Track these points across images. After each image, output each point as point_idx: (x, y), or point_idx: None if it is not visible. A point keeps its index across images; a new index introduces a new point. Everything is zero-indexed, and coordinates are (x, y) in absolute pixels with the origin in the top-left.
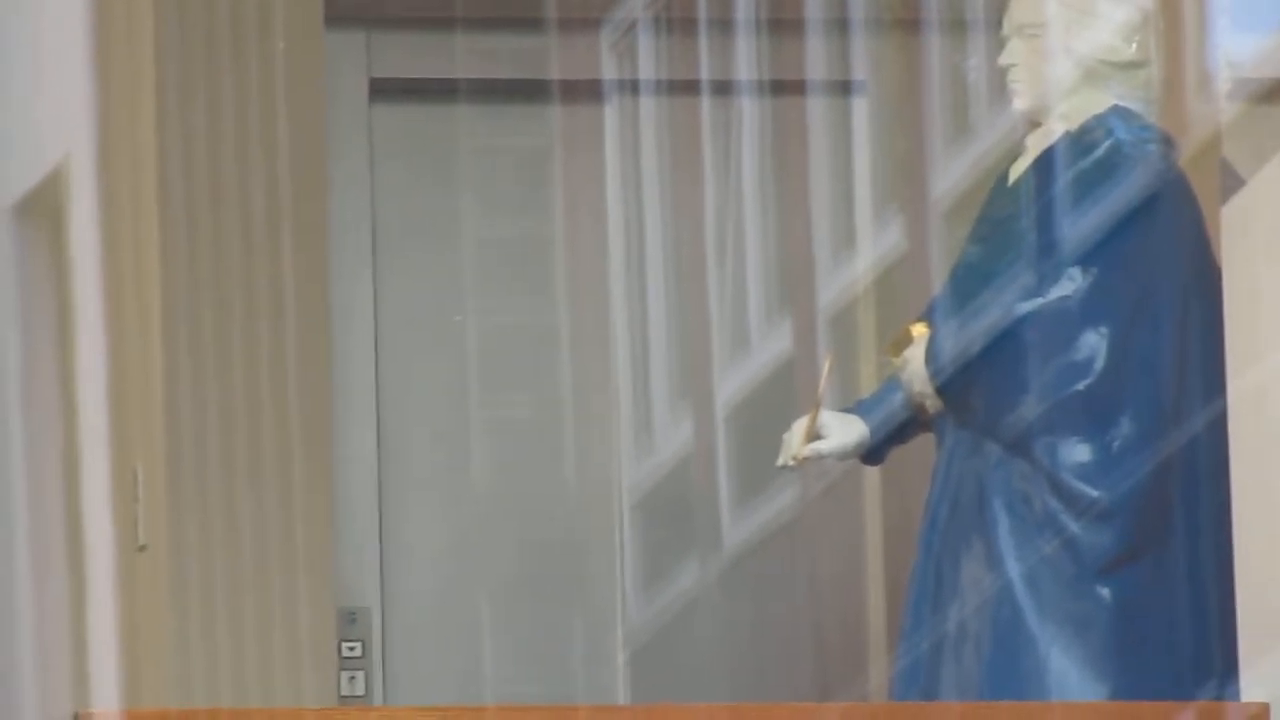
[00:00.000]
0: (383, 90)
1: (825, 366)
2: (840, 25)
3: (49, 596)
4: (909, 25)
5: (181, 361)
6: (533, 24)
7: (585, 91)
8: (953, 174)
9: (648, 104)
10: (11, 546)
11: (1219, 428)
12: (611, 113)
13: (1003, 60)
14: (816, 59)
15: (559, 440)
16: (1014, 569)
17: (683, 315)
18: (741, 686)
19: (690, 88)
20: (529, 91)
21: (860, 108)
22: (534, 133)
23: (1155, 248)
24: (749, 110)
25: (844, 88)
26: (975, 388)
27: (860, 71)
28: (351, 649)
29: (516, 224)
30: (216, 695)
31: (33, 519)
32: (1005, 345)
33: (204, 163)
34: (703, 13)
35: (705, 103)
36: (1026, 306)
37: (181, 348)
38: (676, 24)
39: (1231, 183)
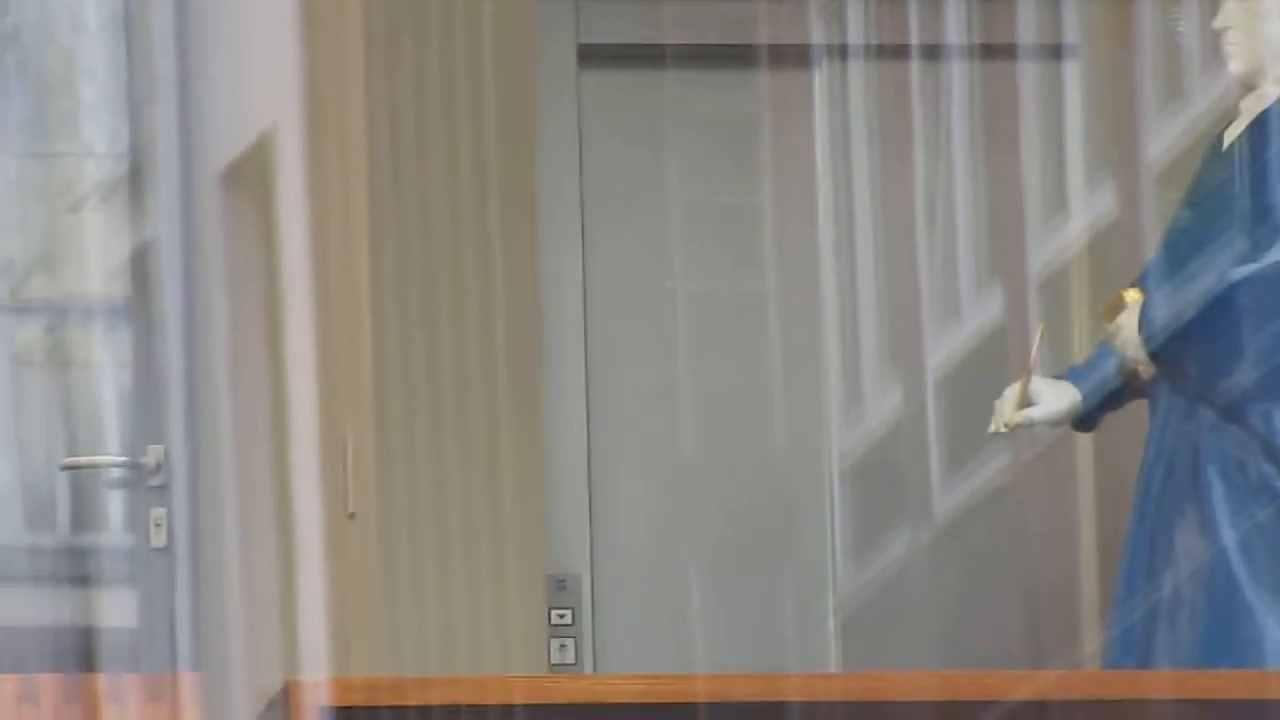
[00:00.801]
0: (591, 56)
1: (1037, 334)
2: None
3: (259, 565)
4: None
5: (390, 329)
6: None
7: (794, 57)
8: (1165, 138)
9: (857, 69)
10: (221, 516)
11: None
12: (820, 78)
13: (1217, 23)
14: (1027, 23)
15: (768, 407)
16: (1229, 536)
17: (892, 281)
18: (953, 654)
19: (900, 52)
20: (737, 57)
21: (1071, 72)
22: (742, 100)
23: None
24: (959, 74)
25: (1055, 51)
26: (1189, 353)
27: (1072, 35)
28: (561, 617)
29: (726, 191)
30: (425, 663)
31: (241, 488)
32: (1220, 311)
33: (412, 131)
34: None
35: (915, 67)
36: (1242, 272)
37: (390, 315)
38: None
39: None
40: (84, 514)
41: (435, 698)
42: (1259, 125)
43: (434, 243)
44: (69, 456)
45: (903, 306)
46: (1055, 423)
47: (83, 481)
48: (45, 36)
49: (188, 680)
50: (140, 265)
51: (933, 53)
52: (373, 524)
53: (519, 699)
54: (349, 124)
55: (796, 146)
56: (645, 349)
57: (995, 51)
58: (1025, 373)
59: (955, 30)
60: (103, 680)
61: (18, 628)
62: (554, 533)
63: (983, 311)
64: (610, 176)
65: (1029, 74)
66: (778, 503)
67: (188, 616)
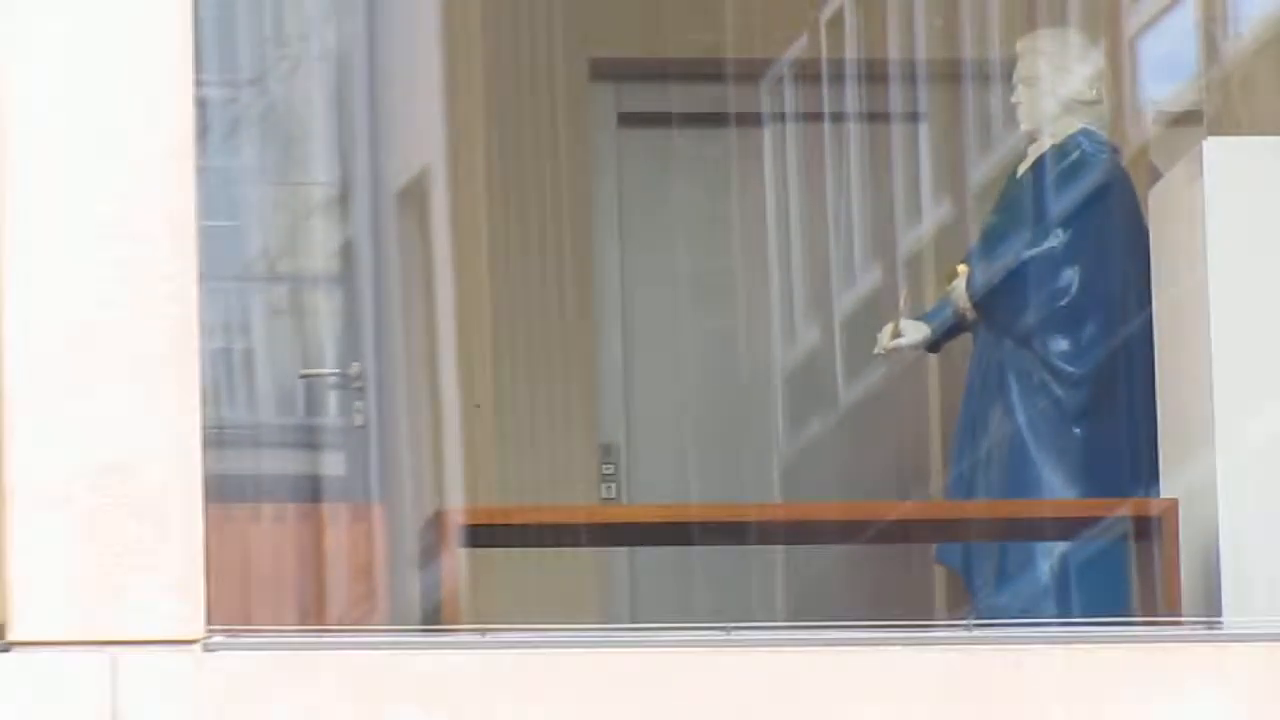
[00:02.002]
0: (627, 120)
1: (903, 293)
2: None
3: (420, 436)
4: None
5: (501, 292)
6: (732, 70)
7: (751, 120)
8: (981, 170)
9: (791, 129)
10: (396, 406)
11: (1146, 329)
12: (768, 135)
13: (1013, 99)
14: (896, 96)
15: (739, 338)
16: (1021, 418)
17: (814, 261)
18: (852, 492)
19: (817, 117)
20: (714, 120)
21: (924, 130)
22: (718, 147)
23: (1108, 217)
24: (855, 130)
25: (913, 117)
26: (997, 304)
27: (923, 106)
28: (607, 470)
29: (710, 204)
30: (521, 498)
31: (409, 389)
32: (1015, 277)
33: (512, 166)
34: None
35: (826, 127)
36: (1029, 252)
37: (500, 282)
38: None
39: (1154, 176)
40: (314, 404)
41: (529, 519)
42: (1038, 164)
43: (527, 235)
44: (305, 369)
45: (821, 276)
46: (914, 347)
47: (313, 384)
48: (287, 106)
49: (377, 509)
50: (347, 251)
51: (838, 117)
52: (489, 411)
53: (581, 519)
54: (474, 163)
55: (752, 180)
56: (664, 309)
57: (877, 117)
58: (896, 315)
59: (851, 102)
60: (324, 509)
61: (274, 474)
62: (602, 415)
63: (869, 280)
64: (638, 195)
65: (898, 130)
66: (744, 396)
67: (376, 469)
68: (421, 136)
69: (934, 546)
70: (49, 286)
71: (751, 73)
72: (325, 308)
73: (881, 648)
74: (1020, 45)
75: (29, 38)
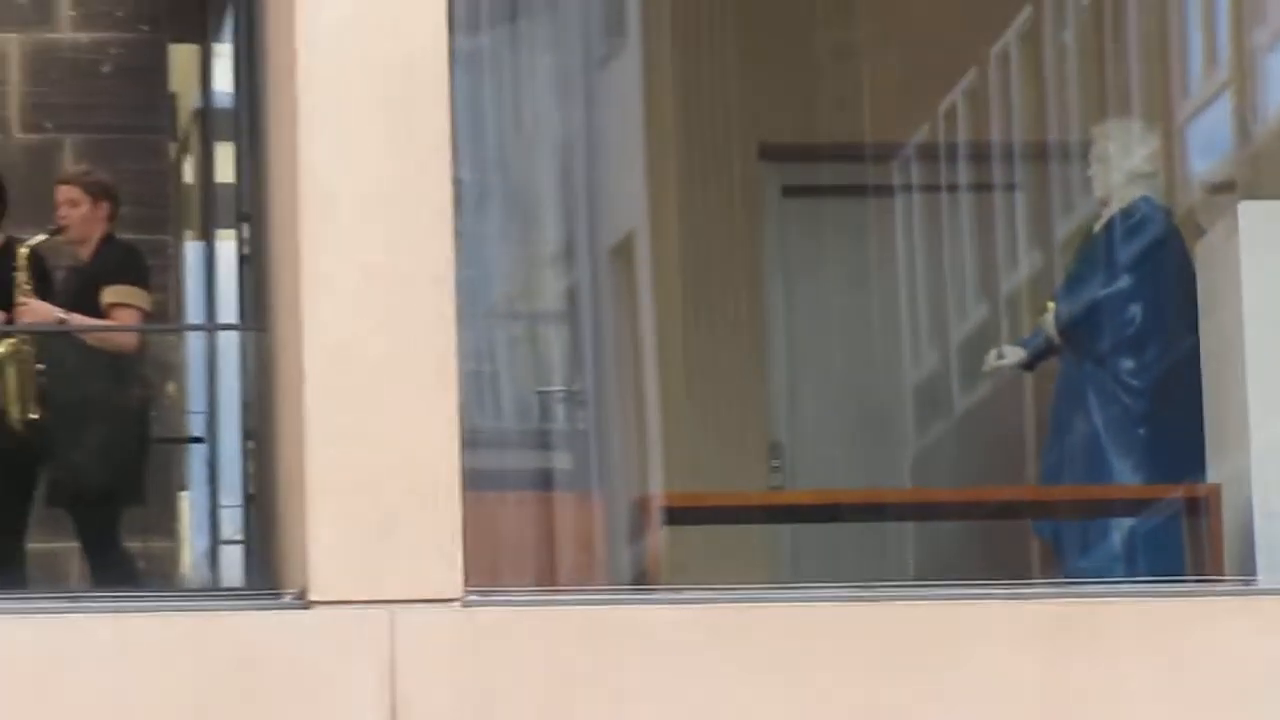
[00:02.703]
0: (790, 191)
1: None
2: None
3: (628, 436)
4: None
5: (691, 319)
6: (870, 151)
7: (887, 192)
8: (1064, 227)
9: (913, 198)
10: (609, 417)
11: (1194, 352)
12: (900, 204)
13: (1089, 173)
14: (997, 167)
15: (879, 359)
16: (1097, 421)
17: (938, 298)
18: (972, 480)
19: (936, 189)
20: (857, 192)
21: (1019, 199)
22: (862, 219)
23: (1164, 265)
24: (967, 196)
25: (1010, 187)
26: (1078, 333)
27: (1018, 179)
28: (774, 464)
29: (855, 255)
30: (710, 486)
31: (619, 404)
32: (1092, 312)
33: (702, 227)
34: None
35: (944, 198)
36: (1103, 292)
37: (690, 311)
38: None
39: (1200, 232)
40: (546, 414)
41: (716, 502)
42: (1109, 224)
43: (710, 282)
44: (539, 386)
45: (940, 312)
46: (1013, 367)
47: (546, 399)
48: (523, 181)
49: (596, 495)
50: (571, 295)
51: (952, 188)
52: (683, 417)
53: (756, 501)
54: (668, 226)
55: (886, 237)
56: (819, 339)
57: (983, 187)
58: (998, 342)
59: (962, 175)
60: (555, 495)
61: (515, 469)
62: (771, 421)
63: (978, 314)
64: (797, 250)
65: (999, 198)
66: (881, 405)
67: (595, 464)
68: (628, 205)
69: (1030, 522)
70: (340, 324)
71: (885, 153)
72: (554, 338)
73: (989, 601)
74: (1094, 131)
75: (325, 123)
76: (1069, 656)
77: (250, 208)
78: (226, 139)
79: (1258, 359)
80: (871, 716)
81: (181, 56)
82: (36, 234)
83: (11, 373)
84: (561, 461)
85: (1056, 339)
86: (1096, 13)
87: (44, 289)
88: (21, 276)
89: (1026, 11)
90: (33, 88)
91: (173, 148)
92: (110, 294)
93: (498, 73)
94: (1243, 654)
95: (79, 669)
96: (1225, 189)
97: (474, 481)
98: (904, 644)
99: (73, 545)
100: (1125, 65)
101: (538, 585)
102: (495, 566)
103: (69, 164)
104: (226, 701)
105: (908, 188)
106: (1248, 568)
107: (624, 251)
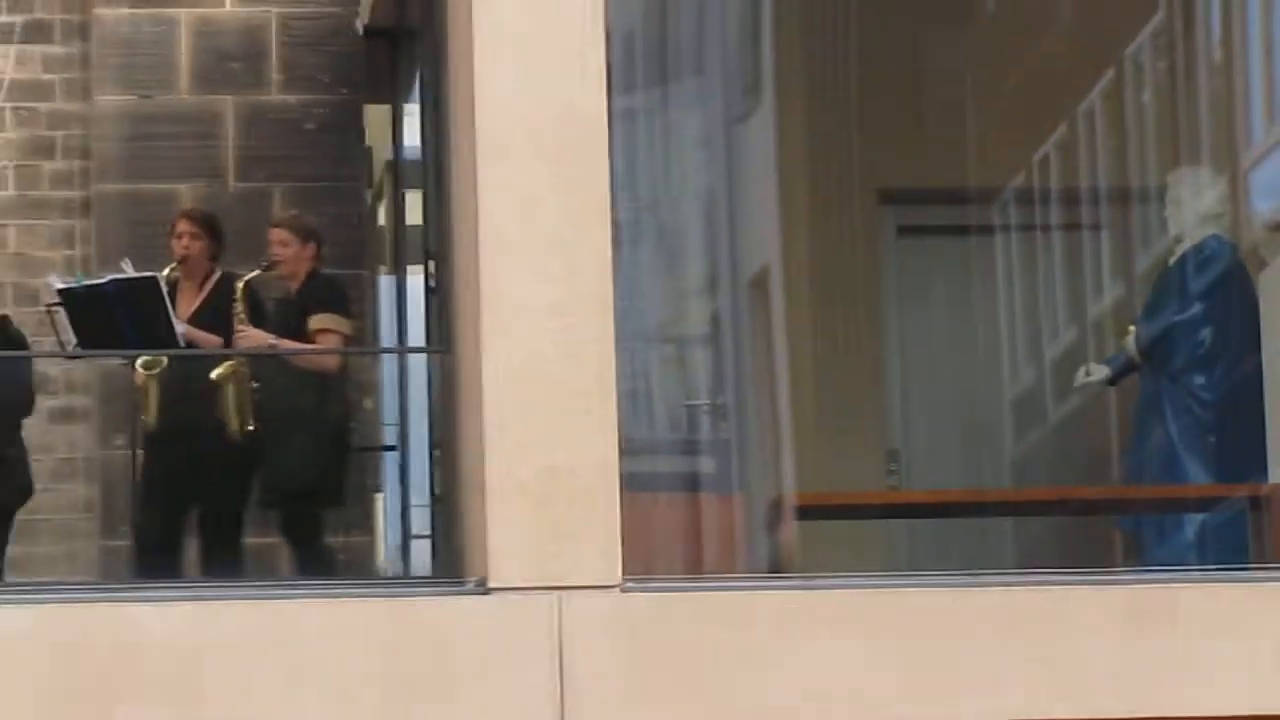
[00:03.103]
0: (904, 231)
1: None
2: None
3: (765, 444)
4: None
5: (820, 354)
6: (974, 195)
7: (984, 230)
8: (1144, 262)
9: (1012, 237)
10: (748, 424)
11: (1257, 370)
12: (1001, 242)
13: (1165, 214)
14: (1092, 210)
15: (982, 381)
16: (1173, 430)
17: (1033, 325)
18: (1067, 480)
19: (1033, 229)
20: (957, 230)
21: (1104, 238)
22: (959, 255)
23: (1230, 294)
24: (1060, 237)
25: (1096, 225)
26: (1156, 353)
27: (1102, 221)
28: (891, 470)
29: (961, 291)
30: (833, 488)
31: (760, 413)
32: (1168, 334)
33: (825, 265)
34: None
35: (1055, 234)
36: (1177, 318)
37: (819, 345)
38: None
39: (1262, 265)
40: (693, 424)
41: (840, 500)
42: (1183, 258)
43: (834, 309)
44: (687, 400)
45: (1035, 334)
46: (1101, 382)
47: (693, 411)
48: (673, 222)
49: (737, 496)
50: (714, 320)
51: (1045, 227)
52: (813, 428)
53: (875, 500)
54: (799, 260)
55: (989, 270)
56: (930, 359)
57: (1073, 227)
58: (1086, 361)
59: (1054, 216)
60: (701, 495)
61: (667, 472)
62: (887, 431)
63: (1068, 337)
64: (911, 281)
65: (1087, 236)
66: (984, 417)
67: (736, 468)
68: (764, 243)
69: (1115, 517)
70: (514, 348)
71: (987, 197)
72: (700, 359)
73: (1079, 586)
74: (1170, 177)
75: (501, 173)
76: (1147, 635)
77: (436, 246)
78: (415, 187)
79: None
80: (976, 686)
81: (375, 115)
82: (251, 270)
83: (231, 391)
84: (706, 466)
85: (1137, 358)
86: (1170, 73)
87: (257, 318)
88: (239, 307)
89: (1109, 74)
90: (246, 143)
91: (368, 195)
92: (315, 321)
93: (650, 128)
94: None
95: (289, 647)
96: None
97: (630, 484)
98: (1004, 623)
99: (281, 541)
100: (1196, 119)
101: (686, 574)
102: (649, 558)
103: (279, 210)
104: (417, 675)
105: (1006, 227)
106: None
107: (760, 283)
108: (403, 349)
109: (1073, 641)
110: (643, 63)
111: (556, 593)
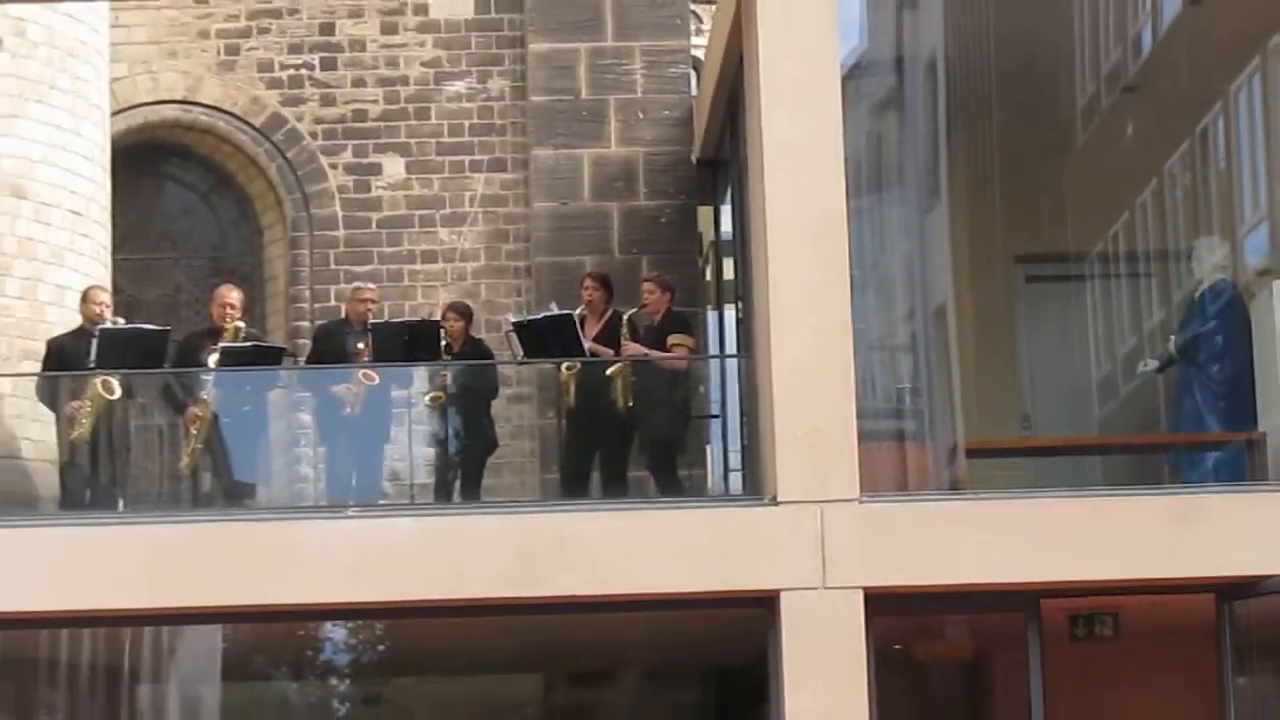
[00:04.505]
0: (1031, 277)
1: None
2: None
3: (948, 408)
4: None
5: (976, 357)
6: (1070, 255)
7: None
8: (1176, 297)
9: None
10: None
11: (1252, 362)
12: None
13: (1192, 265)
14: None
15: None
16: (1199, 398)
17: (1126, 340)
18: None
19: (1089, 271)
20: (1074, 275)
21: (1147, 284)
22: (1066, 296)
23: (1234, 316)
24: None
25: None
26: (1187, 352)
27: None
28: (1025, 426)
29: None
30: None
31: (943, 394)
32: (1194, 340)
33: (982, 298)
34: None
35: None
36: (1201, 330)
37: (976, 352)
38: None
39: (1253, 296)
40: (901, 399)
41: (994, 445)
42: (1203, 294)
43: (986, 326)
44: (898, 384)
45: (1112, 341)
46: (1153, 371)
47: (901, 391)
48: (876, 277)
49: (929, 443)
50: (913, 337)
51: (1117, 276)
52: (976, 402)
53: (1014, 445)
54: (966, 298)
55: (1082, 307)
56: (1050, 362)
57: (1134, 275)
58: (1145, 360)
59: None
60: (907, 444)
61: (886, 429)
62: (1019, 400)
63: (1131, 342)
64: (1035, 312)
65: (1142, 283)
66: (1079, 394)
67: (927, 426)
68: (942, 288)
69: (1162, 455)
70: (791, 354)
71: (1081, 257)
72: (904, 360)
73: (1138, 496)
74: (1194, 243)
75: (780, 249)
76: (1182, 527)
77: (741, 293)
78: (728, 255)
79: None
80: (1075, 560)
81: (704, 213)
82: (631, 309)
83: (619, 382)
84: (909, 424)
85: (1175, 356)
86: (1193, 177)
87: (635, 338)
88: (624, 331)
89: (1154, 182)
90: (625, 231)
91: (700, 261)
92: (672, 339)
93: (872, 219)
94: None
95: (654, 536)
96: (1265, 273)
97: (864, 438)
98: (1094, 519)
99: (649, 474)
100: (1210, 205)
101: (899, 491)
102: (877, 482)
103: (646, 271)
104: (730, 555)
105: (1093, 276)
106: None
107: (940, 314)
108: (722, 355)
109: (1132, 532)
110: (866, 177)
111: (820, 505)
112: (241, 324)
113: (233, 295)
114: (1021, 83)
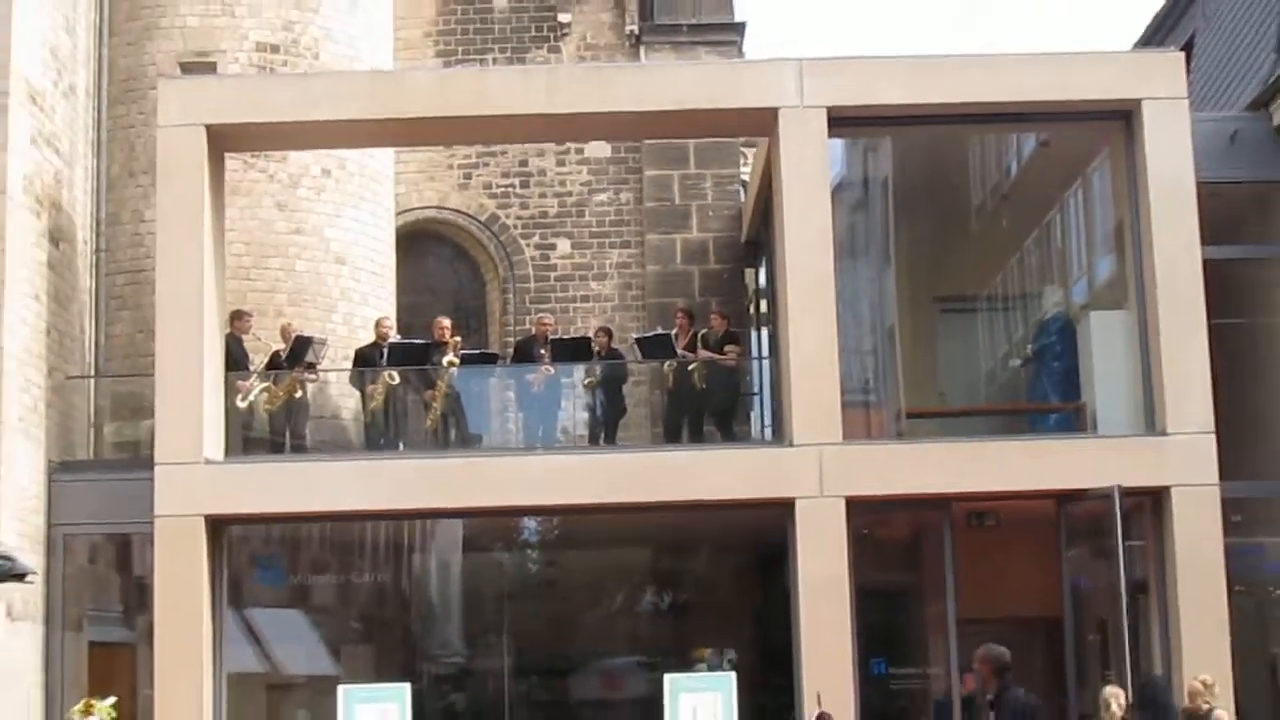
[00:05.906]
0: (945, 310)
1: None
2: None
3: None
4: None
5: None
6: (968, 293)
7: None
8: (1035, 319)
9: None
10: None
11: (1076, 357)
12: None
13: (1042, 302)
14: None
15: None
16: (1045, 381)
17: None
18: None
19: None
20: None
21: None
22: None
23: (1067, 333)
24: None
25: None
26: (1038, 356)
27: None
28: (941, 394)
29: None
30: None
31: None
32: (1042, 350)
33: (911, 327)
34: None
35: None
36: (1047, 341)
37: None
38: None
39: (1080, 321)
40: (861, 381)
41: (923, 411)
42: (1048, 320)
43: (913, 343)
44: (867, 373)
45: (998, 342)
46: (1019, 365)
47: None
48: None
49: (883, 409)
50: (893, 336)
51: (995, 309)
52: (912, 385)
53: (936, 411)
54: (909, 324)
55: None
56: (966, 369)
57: (1007, 308)
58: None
59: None
60: (869, 409)
61: (856, 401)
62: (939, 385)
63: (1008, 345)
64: (947, 332)
65: (1005, 313)
66: (973, 379)
67: (889, 398)
68: (891, 315)
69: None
70: (802, 353)
71: (978, 295)
72: (870, 360)
73: (1001, 441)
74: (1043, 288)
75: (796, 300)
76: (1037, 459)
77: (770, 320)
78: (764, 298)
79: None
80: (964, 484)
81: (749, 272)
82: (704, 329)
83: (697, 374)
84: (872, 397)
85: (1031, 357)
86: (1048, 240)
87: (706, 347)
88: (698, 343)
89: (1035, 232)
90: (702, 285)
91: (745, 300)
92: (728, 348)
93: (849, 276)
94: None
95: (714, 467)
96: (1085, 308)
97: (845, 405)
98: (981, 457)
99: (715, 429)
100: (1052, 265)
101: (866, 438)
102: (854, 432)
103: (715, 307)
104: (765, 476)
105: (984, 309)
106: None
107: (891, 331)
108: (759, 357)
109: (1009, 460)
110: (845, 251)
111: (819, 446)
112: (459, 339)
113: (445, 321)
114: (939, 193)
